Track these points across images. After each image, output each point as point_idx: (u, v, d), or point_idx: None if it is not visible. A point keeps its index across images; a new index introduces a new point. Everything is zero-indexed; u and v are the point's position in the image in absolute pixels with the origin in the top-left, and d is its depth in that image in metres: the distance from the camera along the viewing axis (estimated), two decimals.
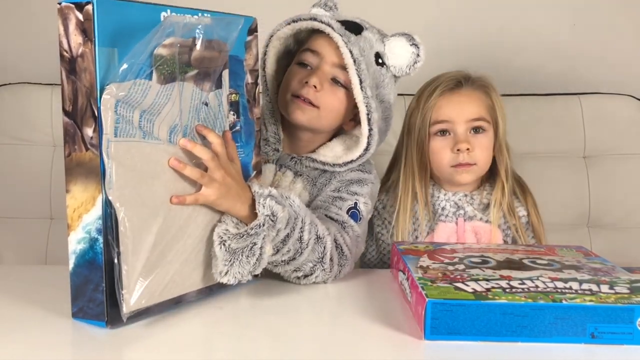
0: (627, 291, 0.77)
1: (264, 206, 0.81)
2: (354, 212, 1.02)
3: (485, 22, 1.61)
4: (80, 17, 0.70)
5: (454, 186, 1.19)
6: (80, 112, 0.71)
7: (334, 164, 1.05)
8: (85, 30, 0.70)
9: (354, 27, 1.01)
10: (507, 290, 0.76)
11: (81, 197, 0.72)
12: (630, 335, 0.72)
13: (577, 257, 0.94)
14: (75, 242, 0.72)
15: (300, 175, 1.06)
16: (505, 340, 0.72)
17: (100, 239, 0.71)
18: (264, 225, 0.81)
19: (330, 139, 1.08)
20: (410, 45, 1.03)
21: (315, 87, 1.00)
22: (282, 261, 0.88)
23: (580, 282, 0.80)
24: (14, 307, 0.80)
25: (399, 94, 1.52)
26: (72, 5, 0.70)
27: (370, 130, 1.00)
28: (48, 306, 0.79)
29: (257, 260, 0.81)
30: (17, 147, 1.48)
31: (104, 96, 0.69)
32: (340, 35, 0.98)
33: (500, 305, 0.72)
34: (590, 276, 0.83)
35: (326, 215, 0.99)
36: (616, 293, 0.76)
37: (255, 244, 0.80)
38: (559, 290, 0.76)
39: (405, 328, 0.77)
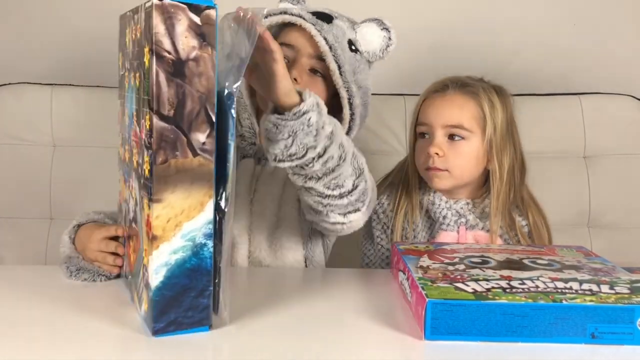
0: (628, 291, 0.77)
1: (309, 95, 0.78)
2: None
3: (485, 22, 1.61)
4: (196, 19, 0.67)
5: (454, 194, 1.18)
6: (188, 117, 0.68)
7: None
8: (203, 35, 0.67)
9: (324, 17, 1.02)
10: (508, 290, 0.76)
11: (181, 204, 0.68)
12: (630, 336, 0.72)
13: (577, 257, 0.94)
14: (169, 253, 0.68)
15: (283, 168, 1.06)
16: (506, 341, 0.72)
17: (210, 244, 0.69)
18: (312, 110, 0.78)
19: None
20: (382, 29, 1.04)
21: (295, 80, 1.00)
22: (327, 169, 0.85)
23: (581, 282, 0.80)
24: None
25: (399, 94, 1.54)
26: (184, 6, 0.67)
27: (352, 114, 1.01)
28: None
29: (317, 133, 0.78)
30: (17, 147, 1.48)
31: (234, 101, 0.69)
32: (313, 24, 0.99)
33: (501, 306, 0.72)
34: (591, 276, 0.83)
35: None
36: (616, 293, 0.76)
37: (310, 118, 0.77)
38: (559, 291, 0.76)
39: (405, 328, 0.77)
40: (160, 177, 0.67)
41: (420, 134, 1.17)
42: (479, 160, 1.14)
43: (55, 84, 1.51)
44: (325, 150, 0.82)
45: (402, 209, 1.18)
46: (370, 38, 1.04)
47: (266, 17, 1.01)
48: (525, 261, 0.91)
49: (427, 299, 0.73)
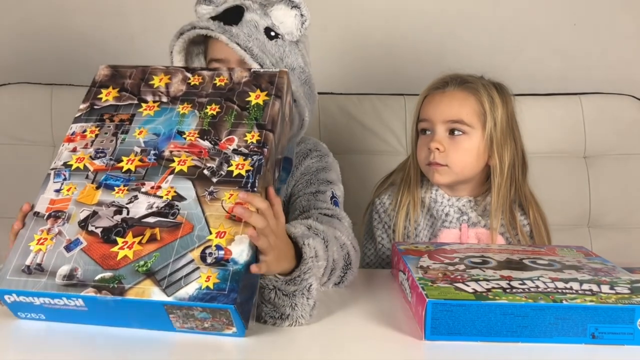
0: (628, 291, 0.77)
1: (309, 247, 0.80)
2: (335, 201, 1.05)
3: (485, 22, 1.61)
4: None
5: (456, 191, 1.18)
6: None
7: None
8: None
9: (233, 16, 1.01)
10: (508, 290, 0.76)
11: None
12: (630, 336, 0.72)
13: (577, 257, 0.94)
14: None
15: None
16: (506, 341, 0.72)
17: None
18: (312, 269, 0.79)
19: None
20: (291, 8, 1.03)
21: None
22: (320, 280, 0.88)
23: (581, 282, 0.80)
24: None
25: (399, 94, 1.54)
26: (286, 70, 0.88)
27: (294, 102, 1.00)
28: None
29: (314, 301, 0.79)
30: (17, 147, 1.48)
31: None
32: (221, 32, 0.98)
33: (501, 306, 0.72)
34: (591, 276, 0.83)
35: (320, 214, 0.99)
36: (617, 293, 0.76)
37: (311, 284, 0.79)
38: (560, 291, 0.76)
39: (405, 328, 0.77)
40: (263, 176, 0.78)
41: (421, 130, 1.18)
42: (480, 155, 1.15)
43: (55, 84, 1.51)
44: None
45: (403, 207, 1.18)
46: (283, 20, 1.03)
47: (182, 33, 1.00)
48: (526, 261, 0.91)
49: (427, 299, 0.73)
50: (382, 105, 1.52)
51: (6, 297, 0.73)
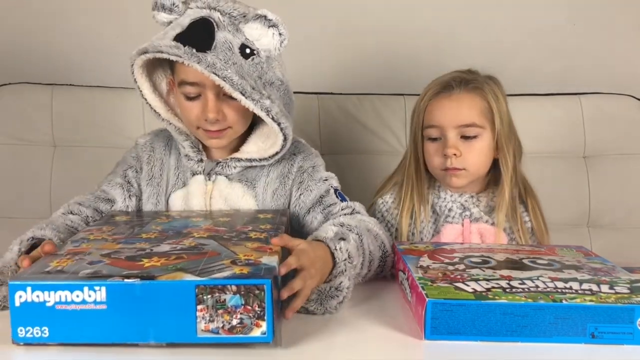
0: (627, 291, 0.77)
1: (340, 251, 0.84)
2: (340, 194, 1.06)
3: (485, 22, 1.61)
4: None
5: (459, 187, 1.18)
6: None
7: (260, 159, 1.05)
8: None
9: (204, 39, 0.95)
10: (507, 290, 0.76)
11: None
12: (630, 336, 0.72)
13: (577, 257, 0.94)
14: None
15: (239, 181, 1.06)
16: (506, 340, 0.72)
17: None
18: (345, 271, 0.83)
19: (250, 131, 1.08)
20: (268, 27, 0.97)
21: (217, 119, 0.99)
22: (362, 277, 0.93)
23: (581, 282, 0.80)
24: None
25: (399, 94, 1.54)
26: None
27: (279, 124, 0.98)
28: None
29: (343, 297, 0.83)
30: (17, 147, 1.48)
31: None
32: (197, 61, 0.92)
33: (501, 305, 0.72)
34: (591, 276, 0.83)
35: (342, 216, 1.00)
36: (616, 293, 0.76)
37: (342, 282, 0.83)
38: (559, 290, 0.76)
39: (405, 328, 0.77)
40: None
41: (430, 136, 1.17)
42: (490, 152, 1.15)
43: (55, 84, 1.51)
44: (358, 274, 0.90)
45: (408, 208, 1.18)
46: (258, 37, 0.98)
47: (146, 52, 0.95)
48: (525, 261, 0.91)
49: (427, 299, 0.73)
50: (382, 105, 1.52)
51: (18, 294, 0.68)
